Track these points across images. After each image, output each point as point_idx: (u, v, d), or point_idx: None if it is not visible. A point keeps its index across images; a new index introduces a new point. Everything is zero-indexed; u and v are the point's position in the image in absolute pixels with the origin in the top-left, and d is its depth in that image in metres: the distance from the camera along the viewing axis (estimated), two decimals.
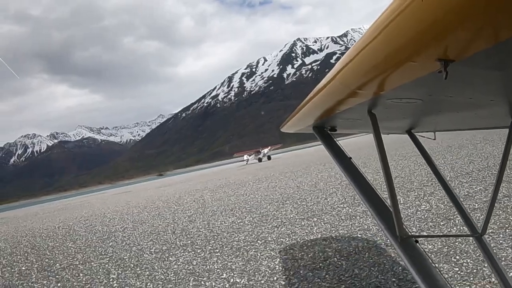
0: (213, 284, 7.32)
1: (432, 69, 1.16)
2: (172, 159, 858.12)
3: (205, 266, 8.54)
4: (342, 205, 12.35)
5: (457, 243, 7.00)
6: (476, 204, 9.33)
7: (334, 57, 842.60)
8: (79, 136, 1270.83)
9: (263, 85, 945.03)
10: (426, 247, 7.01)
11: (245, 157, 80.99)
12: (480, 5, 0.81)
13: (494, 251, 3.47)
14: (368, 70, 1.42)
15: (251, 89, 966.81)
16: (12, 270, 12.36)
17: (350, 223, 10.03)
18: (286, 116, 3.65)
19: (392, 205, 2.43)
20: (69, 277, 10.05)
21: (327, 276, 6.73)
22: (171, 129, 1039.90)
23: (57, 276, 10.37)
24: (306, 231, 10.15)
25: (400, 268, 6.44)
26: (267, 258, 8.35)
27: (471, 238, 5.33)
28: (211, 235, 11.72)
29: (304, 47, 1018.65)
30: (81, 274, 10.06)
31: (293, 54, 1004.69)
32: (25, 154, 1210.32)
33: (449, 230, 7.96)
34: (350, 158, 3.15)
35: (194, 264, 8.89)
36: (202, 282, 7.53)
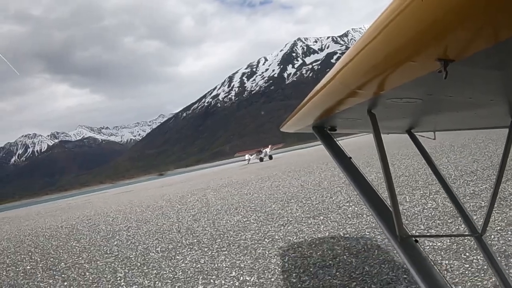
0: (223, 282, 7.30)
1: (432, 69, 1.16)
2: (172, 159, 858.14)
3: (213, 265, 8.51)
4: (347, 204, 12.32)
5: (465, 240, 6.97)
6: (483, 202, 9.34)
7: (335, 57, 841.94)
8: (80, 136, 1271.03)
9: (264, 85, 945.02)
10: (435, 244, 6.99)
11: (247, 156, 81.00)
12: (480, 5, 0.80)
13: (494, 251, 3.45)
14: (368, 70, 1.41)
15: (252, 89, 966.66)
16: (17, 269, 12.33)
17: (357, 221, 10.00)
18: (287, 116, 3.65)
19: (392, 205, 2.43)
20: (75, 276, 10.02)
21: (337, 273, 6.71)
22: (172, 129, 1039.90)
23: (63, 275, 10.34)
24: (313, 229, 10.12)
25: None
26: (275, 256, 8.33)
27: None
28: (217, 233, 11.69)
29: (305, 47, 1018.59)
30: (87, 273, 10.03)
31: (294, 54, 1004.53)
32: (26, 154, 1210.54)
33: (457, 227, 7.94)
34: (350, 158, 3.14)
35: (202, 262, 8.86)
36: (211, 281, 7.50)
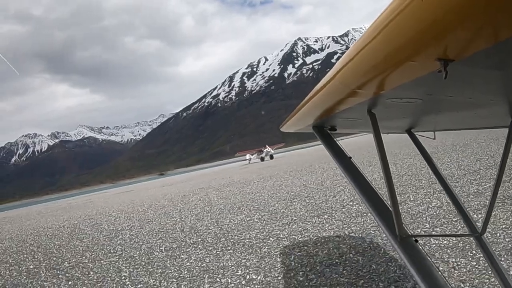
0: (229, 281, 7.28)
1: (432, 69, 1.16)
2: (173, 159, 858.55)
3: (218, 263, 8.49)
4: (351, 203, 12.30)
5: (471, 239, 6.95)
6: (487, 201, 9.26)
7: (335, 57, 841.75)
8: (80, 136, 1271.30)
9: (264, 85, 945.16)
10: (441, 243, 6.98)
11: (248, 156, 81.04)
12: (480, 5, 0.80)
13: (494, 250, 3.45)
14: (368, 70, 1.41)
15: (252, 89, 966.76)
16: (20, 268, 12.31)
17: (362, 220, 9.98)
18: (287, 116, 3.65)
19: (392, 205, 2.42)
20: (79, 275, 9.99)
21: (344, 271, 6.70)
22: (172, 129, 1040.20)
23: (66, 275, 10.31)
24: (318, 228, 10.11)
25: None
26: (281, 255, 8.32)
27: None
28: (221, 233, 11.67)
29: (305, 47, 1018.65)
30: (91, 272, 10.01)
31: (294, 54, 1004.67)
32: (26, 154, 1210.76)
33: (462, 226, 7.90)
34: (350, 157, 3.14)
35: (207, 261, 8.84)
36: (218, 279, 7.48)
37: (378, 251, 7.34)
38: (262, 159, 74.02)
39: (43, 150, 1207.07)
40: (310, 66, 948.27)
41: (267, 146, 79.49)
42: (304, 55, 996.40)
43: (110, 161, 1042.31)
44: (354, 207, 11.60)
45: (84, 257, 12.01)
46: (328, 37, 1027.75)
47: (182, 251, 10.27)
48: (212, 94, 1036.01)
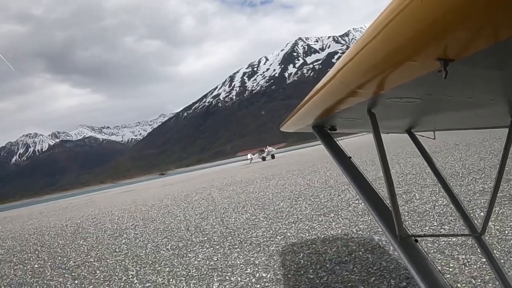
0: (239, 279, 7.24)
1: (431, 69, 1.15)
2: (173, 159, 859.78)
3: (227, 262, 8.45)
4: (357, 202, 12.26)
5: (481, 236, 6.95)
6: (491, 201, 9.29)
7: (336, 57, 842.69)
8: (81, 136, 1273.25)
9: (265, 85, 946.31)
10: (450, 240, 6.98)
11: (249, 156, 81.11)
12: (480, 5, 0.80)
13: (494, 250, 3.44)
14: (367, 70, 1.41)
15: (253, 89, 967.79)
16: (25, 268, 12.28)
17: (369, 218, 9.93)
18: (287, 116, 3.63)
19: (391, 205, 2.42)
20: (86, 274, 9.95)
21: (355, 269, 6.67)
22: (173, 129, 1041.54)
23: (73, 274, 10.27)
24: (325, 226, 10.07)
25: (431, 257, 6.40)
26: (290, 253, 8.28)
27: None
28: (227, 231, 11.63)
29: (306, 47, 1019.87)
30: (97, 271, 9.97)
31: (295, 54, 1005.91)
32: (27, 154, 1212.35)
33: (462, 225, 7.91)
34: (350, 157, 3.13)
35: (215, 260, 8.80)
36: (227, 277, 7.44)
37: (387, 249, 7.31)
38: (264, 158, 74.02)
39: (43, 150, 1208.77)
40: (311, 66, 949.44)
41: (268, 146, 79.54)
42: (304, 55, 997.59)
43: (111, 161, 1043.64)
44: (360, 206, 11.56)
45: (89, 256, 11.99)
46: (329, 37, 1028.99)
47: (189, 250, 10.23)
48: (213, 94, 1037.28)
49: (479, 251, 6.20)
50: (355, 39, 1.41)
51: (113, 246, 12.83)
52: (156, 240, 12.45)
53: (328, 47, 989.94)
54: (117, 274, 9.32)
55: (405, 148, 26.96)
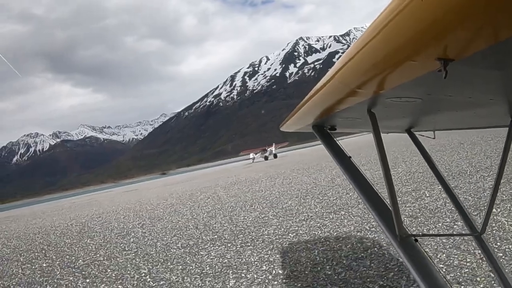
0: (255, 276, 7.21)
1: (431, 68, 1.15)
2: (174, 158, 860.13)
3: (240, 259, 8.42)
4: None
5: (494, 231, 7.04)
6: (504, 196, 9.30)
7: (337, 56, 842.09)
8: (82, 135, 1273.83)
9: (266, 84, 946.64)
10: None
11: (251, 155, 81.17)
12: (480, 5, 0.80)
13: (494, 250, 3.43)
14: (367, 69, 1.41)
15: (254, 88, 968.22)
16: (33, 267, 12.24)
17: None
18: (287, 115, 3.60)
19: (391, 204, 2.39)
20: (96, 272, 9.92)
21: (372, 265, 6.66)
22: (174, 128, 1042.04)
23: (83, 272, 10.24)
24: (337, 223, 10.06)
25: (444, 255, 6.40)
26: (304, 250, 8.26)
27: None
28: (238, 229, 11.61)
29: (307, 46, 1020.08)
30: (108, 270, 9.93)
31: (296, 53, 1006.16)
32: (28, 153, 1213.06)
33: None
34: (350, 157, 3.11)
35: (229, 257, 8.77)
36: (243, 275, 7.41)
37: None
38: (266, 158, 74.08)
39: (44, 149, 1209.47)
40: (312, 65, 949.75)
41: (270, 145, 79.55)
42: (305, 54, 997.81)
43: (112, 161, 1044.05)
44: None
45: (98, 255, 11.96)
46: (330, 37, 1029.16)
47: (200, 248, 10.20)
48: (214, 94, 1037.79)
49: (497, 245, 6.25)
50: (356, 39, 1.39)
51: (121, 245, 12.80)
52: (165, 238, 12.42)
53: (329, 47, 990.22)
54: (129, 272, 9.28)
55: (410, 147, 26.94)
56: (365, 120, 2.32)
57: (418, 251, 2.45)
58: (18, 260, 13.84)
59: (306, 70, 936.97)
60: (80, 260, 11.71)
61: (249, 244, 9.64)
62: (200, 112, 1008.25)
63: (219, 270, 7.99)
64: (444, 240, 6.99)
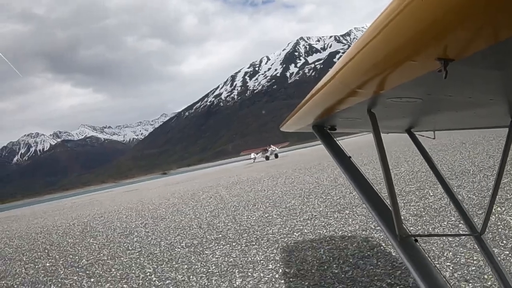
0: (261, 275, 7.19)
1: (431, 68, 1.16)
2: (175, 158, 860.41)
3: (246, 258, 8.41)
4: None
5: (500, 229, 7.09)
6: (508, 195, 9.32)
7: (337, 56, 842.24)
8: (82, 135, 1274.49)
9: (266, 84, 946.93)
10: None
11: (252, 155, 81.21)
12: (480, 5, 0.80)
13: (494, 250, 3.43)
14: (368, 69, 1.41)
15: (254, 88, 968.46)
16: (36, 266, 12.20)
17: None
18: (287, 115, 3.62)
19: (391, 204, 2.41)
20: (101, 272, 9.89)
21: (379, 263, 6.66)
22: (174, 128, 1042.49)
23: (87, 272, 10.20)
24: (342, 222, 10.05)
25: (450, 253, 6.40)
26: (310, 249, 8.25)
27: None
28: (242, 228, 11.60)
29: (307, 46, 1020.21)
30: (112, 269, 9.90)
31: (296, 53, 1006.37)
32: (28, 153, 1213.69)
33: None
34: (350, 157, 3.13)
35: (234, 256, 8.76)
36: (249, 274, 7.39)
37: None
38: (267, 158, 74.10)
39: (45, 149, 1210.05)
40: (312, 65, 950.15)
41: (271, 145, 79.56)
42: (306, 54, 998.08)
43: (112, 161, 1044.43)
44: None
45: (102, 254, 11.93)
46: (331, 37, 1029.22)
47: (205, 247, 10.18)
48: (214, 94, 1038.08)
49: (503, 243, 6.26)
50: (357, 39, 1.39)
51: (125, 244, 12.78)
52: (169, 238, 12.40)
53: (330, 47, 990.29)
54: (133, 272, 9.25)
55: (411, 147, 26.89)
56: (365, 120, 2.34)
57: (418, 251, 2.47)
58: (21, 260, 13.81)
59: (306, 70, 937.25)
60: (84, 260, 11.68)
61: (254, 243, 9.63)
62: (200, 112, 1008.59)
63: (225, 269, 7.98)
64: (450, 239, 6.99)
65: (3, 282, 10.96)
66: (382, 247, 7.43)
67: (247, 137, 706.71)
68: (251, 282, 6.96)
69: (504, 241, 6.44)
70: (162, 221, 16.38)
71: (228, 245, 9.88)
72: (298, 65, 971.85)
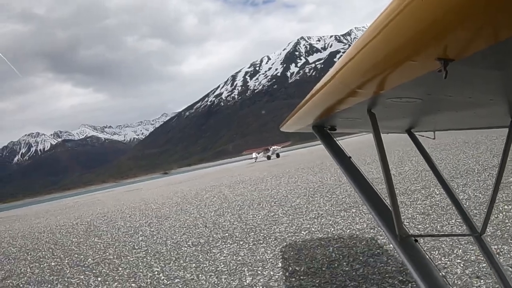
0: (271, 273, 7.19)
1: (431, 68, 1.15)
2: (175, 158, 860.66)
3: (255, 257, 8.40)
4: None
5: (508, 227, 7.08)
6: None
7: (338, 56, 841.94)
8: (83, 135, 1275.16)
9: (267, 84, 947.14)
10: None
11: (254, 154, 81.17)
12: (480, 5, 0.80)
13: (494, 250, 3.44)
14: (368, 69, 1.41)
15: (255, 88, 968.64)
16: (41, 265, 12.17)
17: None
18: (288, 115, 3.62)
19: (391, 205, 2.42)
20: (107, 271, 9.87)
21: (389, 261, 6.68)
22: (175, 128, 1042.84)
23: (93, 271, 10.18)
24: (349, 221, 10.05)
25: (460, 251, 6.41)
26: (318, 247, 8.25)
27: None
28: (248, 227, 11.59)
29: (308, 46, 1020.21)
30: (119, 268, 9.88)
31: (297, 53, 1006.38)
32: (29, 153, 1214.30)
33: (495, 216, 7.93)
34: (350, 157, 3.13)
35: (242, 255, 8.75)
36: (259, 272, 7.39)
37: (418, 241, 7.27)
38: (269, 157, 74.07)
39: (45, 149, 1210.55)
40: (313, 65, 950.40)
41: (273, 145, 79.56)
42: (306, 54, 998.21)
43: (113, 161, 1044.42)
44: None
45: (107, 254, 11.91)
46: (331, 36, 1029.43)
47: (212, 246, 10.16)
48: (215, 93, 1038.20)
49: (511, 241, 6.26)
50: (357, 38, 1.38)
51: (130, 243, 12.76)
52: (174, 237, 12.39)
53: (330, 46, 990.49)
54: (141, 270, 9.24)
55: (414, 146, 26.95)
56: (365, 120, 2.34)
57: (418, 251, 2.46)
58: (26, 259, 13.80)
59: (307, 70, 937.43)
60: (90, 259, 11.66)
61: (261, 241, 9.63)
62: (201, 112, 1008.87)
63: (234, 267, 7.97)
64: (455, 239, 6.99)
65: (9, 281, 10.94)
66: (391, 245, 7.42)
67: (247, 137, 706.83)
68: (261, 280, 6.95)
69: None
70: (166, 220, 16.36)
71: (236, 244, 9.87)
72: (299, 64, 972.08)
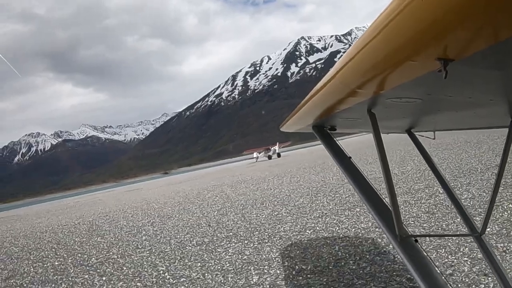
0: (278, 272, 7.17)
1: (431, 68, 1.16)
2: (175, 158, 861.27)
3: (260, 256, 8.37)
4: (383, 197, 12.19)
5: None
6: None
7: (338, 56, 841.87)
8: (83, 135, 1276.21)
9: (267, 84, 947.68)
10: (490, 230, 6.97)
11: (255, 154, 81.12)
12: (480, 5, 0.80)
13: (494, 250, 3.45)
14: (368, 69, 1.42)
15: (255, 88, 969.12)
16: (44, 265, 12.14)
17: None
18: (287, 115, 3.65)
19: (391, 205, 2.42)
20: (112, 270, 9.84)
21: (396, 259, 6.65)
22: (175, 128, 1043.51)
23: (98, 270, 10.14)
24: (353, 220, 10.02)
25: (467, 249, 6.41)
26: (324, 246, 8.24)
27: None
28: (252, 226, 11.56)
29: (308, 46, 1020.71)
30: (124, 268, 9.86)
31: (297, 53, 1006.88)
32: (29, 153, 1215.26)
33: (500, 214, 7.93)
34: (350, 157, 3.14)
35: (248, 254, 8.72)
36: (265, 270, 7.37)
37: (423, 240, 7.25)
38: (270, 157, 74.02)
39: (46, 149, 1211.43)
40: (313, 65, 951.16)
41: (274, 144, 79.57)
42: (307, 54, 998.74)
43: (113, 161, 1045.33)
44: (385, 200, 11.50)
45: (111, 253, 11.89)
46: (331, 36, 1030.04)
47: (217, 245, 10.14)
48: (215, 93, 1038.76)
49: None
50: (357, 38, 1.38)
51: (134, 243, 12.74)
52: (178, 236, 12.36)
53: (331, 46, 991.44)
54: (146, 270, 9.21)
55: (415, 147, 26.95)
56: (365, 120, 2.35)
57: (418, 251, 2.48)
58: (29, 259, 13.78)
59: (307, 70, 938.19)
60: (93, 258, 11.64)
61: (266, 240, 9.60)
62: (201, 112, 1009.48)
63: (240, 266, 7.94)
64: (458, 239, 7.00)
65: (12, 281, 10.92)
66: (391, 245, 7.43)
67: (248, 137, 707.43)
68: (268, 279, 6.93)
69: None
70: (169, 220, 16.34)
71: (240, 243, 9.85)
72: (299, 64, 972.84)
